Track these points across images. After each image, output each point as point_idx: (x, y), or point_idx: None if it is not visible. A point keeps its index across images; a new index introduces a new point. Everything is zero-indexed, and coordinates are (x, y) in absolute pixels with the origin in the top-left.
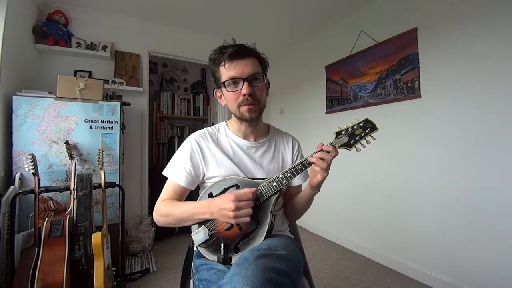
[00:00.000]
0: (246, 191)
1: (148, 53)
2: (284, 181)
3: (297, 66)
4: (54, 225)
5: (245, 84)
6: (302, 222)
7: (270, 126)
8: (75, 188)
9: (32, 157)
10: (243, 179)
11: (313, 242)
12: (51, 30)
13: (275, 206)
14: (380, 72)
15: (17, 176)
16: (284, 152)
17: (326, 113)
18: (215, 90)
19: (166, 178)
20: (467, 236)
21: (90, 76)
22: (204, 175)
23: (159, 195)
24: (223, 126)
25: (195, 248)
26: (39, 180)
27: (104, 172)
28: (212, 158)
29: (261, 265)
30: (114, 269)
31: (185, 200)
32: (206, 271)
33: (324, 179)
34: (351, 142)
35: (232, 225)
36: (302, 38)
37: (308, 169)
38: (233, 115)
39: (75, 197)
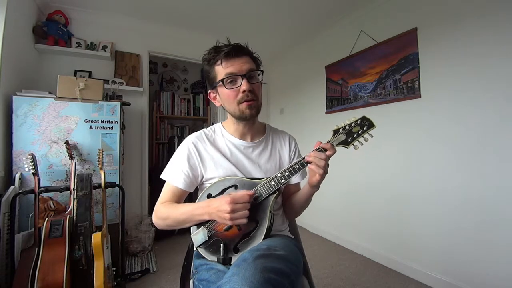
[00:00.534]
0: (243, 194)
1: (148, 53)
2: (283, 180)
3: (297, 66)
4: (54, 225)
5: (244, 81)
6: (302, 222)
7: (267, 125)
8: (75, 188)
9: (32, 157)
10: (241, 179)
11: (313, 242)
12: (51, 30)
13: (274, 206)
14: (380, 72)
15: (17, 176)
16: (281, 150)
17: (326, 113)
18: (209, 91)
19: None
20: (467, 236)
21: (90, 76)
22: (202, 177)
23: (159, 195)
24: (219, 127)
25: (195, 249)
26: (39, 180)
27: (104, 172)
28: (210, 160)
29: (260, 265)
30: (114, 269)
31: (184, 202)
32: (205, 271)
33: (323, 177)
34: (349, 140)
35: (231, 226)
36: (302, 38)
37: (307, 167)
38: (229, 116)
39: (75, 197)
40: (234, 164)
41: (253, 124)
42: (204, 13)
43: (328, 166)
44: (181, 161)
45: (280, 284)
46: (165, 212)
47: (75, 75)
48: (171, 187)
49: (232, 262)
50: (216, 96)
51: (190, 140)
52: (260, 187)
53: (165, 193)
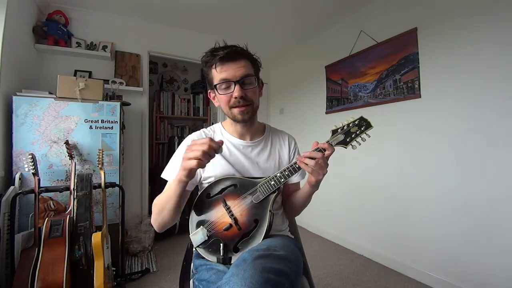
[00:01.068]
0: (205, 138)
1: (148, 53)
2: (282, 180)
3: (297, 66)
4: (54, 225)
5: (237, 87)
6: (302, 222)
7: (266, 125)
8: (75, 188)
9: (32, 157)
10: (241, 179)
11: (313, 242)
12: (51, 30)
13: (273, 205)
14: (380, 72)
15: (17, 176)
16: (281, 150)
17: (326, 113)
18: (209, 91)
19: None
20: (467, 236)
21: (90, 76)
22: (200, 176)
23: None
24: (218, 126)
25: (194, 249)
26: (39, 180)
27: (104, 172)
28: None
29: (260, 265)
30: (114, 269)
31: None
32: (205, 271)
33: (323, 177)
34: (347, 140)
35: (231, 225)
36: (302, 38)
37: None
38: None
39: (75, 197)
40: (233, 164)
41: (251, 125)
42: (204, 13)
43: (327, 166)
44: (181, 160)
45: (280, 285)
46: (155, 205)
47: (75, 75)
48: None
49: (232, 262)
50: (215, 96)
51: (189, 140)
52: (260, 187)
53: (163, 191)
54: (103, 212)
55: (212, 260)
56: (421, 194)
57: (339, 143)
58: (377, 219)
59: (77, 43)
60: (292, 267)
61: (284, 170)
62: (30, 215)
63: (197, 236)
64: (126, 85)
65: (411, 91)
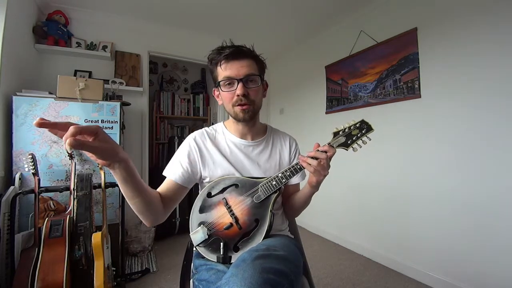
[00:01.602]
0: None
1: (148, 53)
2: (284, 180)
3: (297, 66)
4: (54, 225)
5: (240, 85)
6: (302, 222)
7: (268, 126)
8: (75, 188)
9: (32, 157)
10: (242, 178)
11: (313, 242)
12: (51, 30)
13: (274, 205)
14: (380, 72)
15: (17, 176)
16: (282, 151)
17: (326, 113)
18: (213, 89)
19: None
20: (467, 236)
21: (90, 76)
22: (200, 175)
23: None
24: (220, 126)
25: (194, 248)
26: (39, 180)
27: (104, 172)
28: (209, 158)
29: (259, 266)
30: (114, 269)
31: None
32: (205, 271)
33: (323, 178)
34: (348, 142)
35: (231, 224)
36: (302, 38)
37: None
38: (229, 116)
39: (75, 197)
40: (233, 164)
41: (253, 125)
42: (204, 13)
43: (329, 167)
44: (181, 157)
45: (280, 285)
46: None
47: (75, 75)
48: (167, 180)
49: (232, 261)
50: (219, 94)
51: (192, 138)
52: (261, 186)
53: (160, 186)
54: (103, 212)
55: (212, 259)
56: (421, 194)
57: (340, 145)
58: (377, 219)
59: (77, 43)
60: (291, 267)
61: (286, 171)
62: (30, 215)
63: (197, 235)
64: (126, 85)
65: (411, 91)
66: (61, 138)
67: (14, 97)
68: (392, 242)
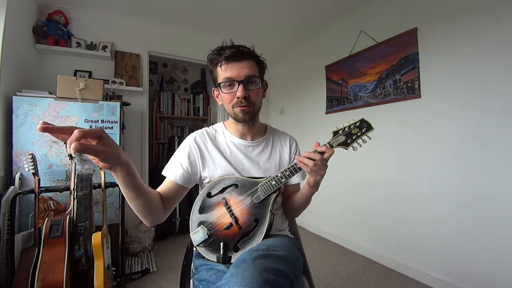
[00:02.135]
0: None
1: (148, 53)
2: (283, 180)
3: (297, 66)
4: (54, 225)
5: (240, 87)
6: (302, 222)
7: (268, 126)
8: (75, 188)
9: (32, 157)
10: (242, 178)
11: (313, 242)
12: (51, 30)
13: (274, 205)
14: (380, 72)
15: (17, 176)
16: (282, 151)
17: (326, 113)
18: (213, 89)
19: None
20: (467, 236)
21: (90, 76)
22: (200, 175)
23: None
24: (220, 126)
25: (194, 248)
26: (39, 180)
27: (104, 172)
28: (209, 158)
29: (259, 266)
30: (114, 269)
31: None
32: (205, 271)
33: (321, 177)
34: (348, 142)
35: (231, 224)
36: (302, 38)
37: None
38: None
39: (75, 197)
40: (233, 164)
41: (253, 125)
42: (204, 13)
43: (326, 167)
44: (181, 157)
45: (279, 285)
46: None
47: (75, 75)
48: (166, 180)
49: (232, 261)
50: (218, 95)
51: (192, 138)
52: (261, 186)
53: (160, 186)
54: (103, 212)
55: (212, 259)
56: (421, 193)
57: (340, 145)
58: (377, 219)
59: (77, 43)
60: (291, 267)
61: (285, 170)
62: (30, 215)
63: (197, 235)
64: (126, 85)
65: (411, 91)
66: (63, 141)
67: (14, 97)
68: (392, 242)
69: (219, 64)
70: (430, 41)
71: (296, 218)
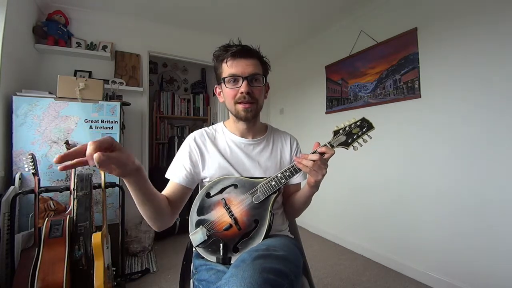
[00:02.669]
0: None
1: (148, 53)
2: (283, 180)
3: (297, 66)
4: (54, 225)
5: (245, 83)
6: (302, 222)
7: (268, 125)
8: (75, 188)
9: (32, 157)
10: (241, 179)
11: (313, 242)
12: (51, 30)
13: (273, 205)
14: (380, 72)
15: (17, 176)
16: (283, 150)
17: (326, 113)
18: (215, 86)
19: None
20: (467, 236)
21: (90, 76)
22: (201, 175)
23: None
24: (220, 125)
25: (194, 248)
26: (39, 180)
27: (104, 172)
28: (209, 158)
29: (259, 266)
30: (114, 269)
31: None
32: (205, 271)
33: (322, 177)
34: (349, 141)
35: (231, 225)
36: (302, 38)
37: None
38: (230, 114)
39: (75, 197)
40: (233, 163)
41: (254, 124)
42: (204, 13)
43: (327, 167)
44: (183, 158)
45: (279, 285)
46: None
47: (75, 75)
48: (170, 183)
49: (231, 262)
50: (221, 92)
51: (191, 138)
52: (260, 187)
53: (165, 190)
54: (103, 212)
55: (211, 260)
56: (421, 194)
57: (340, 144)
58: (377, 219)
59: (77, 43)
60: (291, 267)
61: (285, 171)
62: (30, 215)
63: (196, 235)
64: (126, 85)
65: (411, 91)
66: (83, 165)
67: (14, 97)
68: (392, 242)
69: (225, 60)
70: (430, 41)
71: (296, 218)
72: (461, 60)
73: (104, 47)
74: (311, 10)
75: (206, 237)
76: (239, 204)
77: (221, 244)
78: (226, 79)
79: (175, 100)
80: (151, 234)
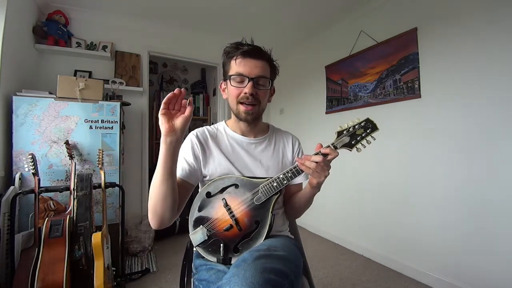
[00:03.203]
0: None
1: (148, 53)
2: (285, 181)
3: (297, 66)
4: (54, 225)
5: (250, 84)
6: (302, 222)
7: (270, 125)
8: (75, 188)
9: (32, 157)
10: (242, 179)
11: (313, 242)
12: (51, 30)
13: (275, 206)
14: (380, 72)
15: (17, 176)
16: (284, 149)
17: (326, 113)
18: (221, 82)
19: None
20: (467, 236)
21: (90, 76)
22: (201, 173)
23: None
24: (222, 124)
25: (194, 248)
26: (39, 180)
27: (104, 172)
28: (210, 155)
29: (260, 266)
30: (114, 269)
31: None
32: (206, 271)
33: (324, 178)
34: (352, 143)
35: (231, 225)
36: (302, 38)
37: None
38: (232, 114)
39: (75, 197)
40: (234, 162)
41: (255, 125)
42: (204, 13)
43: (329, 168)
44: (185, 153)
45: (280, 285)
46: (151, 186)
47: (75, 75)
48: None
49: (232, 262)
50: (225, 88)
51: (193, 134)
52: (262, 188)
53: None
54: (103, 212)
55: (212, 260)
56: (421, 194)
57: (344, 146)
58: (377, 219)
59: (77, 43)
60: (292, 267)
61: (287, 172)
62: (30, 215)
63: (196, 235)
64: (126, 85)
65: (411, 91)
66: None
67: (14, 97)
68: (392, 242)
69: (234, 58)
70: (430, 41)
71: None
72: (461, 60)
73: (104, 47)
74: (311, 10)
75: (206, 237)
76: (240, 205)
77: (221, 245)
78: (232, 77)
79: None
80: (151, 234)
